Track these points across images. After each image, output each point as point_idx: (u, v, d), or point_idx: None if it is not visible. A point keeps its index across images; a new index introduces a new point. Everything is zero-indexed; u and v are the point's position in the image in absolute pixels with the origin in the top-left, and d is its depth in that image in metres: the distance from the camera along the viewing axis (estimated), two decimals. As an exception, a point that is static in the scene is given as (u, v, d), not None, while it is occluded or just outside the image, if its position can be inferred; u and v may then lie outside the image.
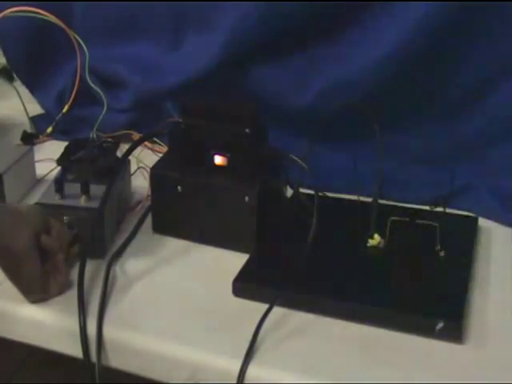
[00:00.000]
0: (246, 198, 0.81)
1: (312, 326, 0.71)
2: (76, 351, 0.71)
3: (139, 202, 0.93)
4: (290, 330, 0.70)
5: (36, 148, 1.06)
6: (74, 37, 1.10)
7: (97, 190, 0.82)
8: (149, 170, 0.89)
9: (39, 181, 1.00)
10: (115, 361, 0.71)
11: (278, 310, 0.72)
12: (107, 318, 0.72)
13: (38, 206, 0.79)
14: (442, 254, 0.79)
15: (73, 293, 0.74)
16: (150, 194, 0.89)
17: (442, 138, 1.01)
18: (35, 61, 1.20)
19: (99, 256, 0.81)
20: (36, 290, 0.74)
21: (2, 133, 1.18)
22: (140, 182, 0.97)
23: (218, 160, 0.83)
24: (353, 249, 0.82)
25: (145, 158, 1.02)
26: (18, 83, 1.25)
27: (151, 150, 1.08)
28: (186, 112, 0.86)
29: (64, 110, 1.16)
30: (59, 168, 0.88)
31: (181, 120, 0.86)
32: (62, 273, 0.76)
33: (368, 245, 0.81)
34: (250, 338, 0.68)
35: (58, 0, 1.13)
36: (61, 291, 0.76)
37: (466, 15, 0.92)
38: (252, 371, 0.65)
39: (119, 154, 0.92)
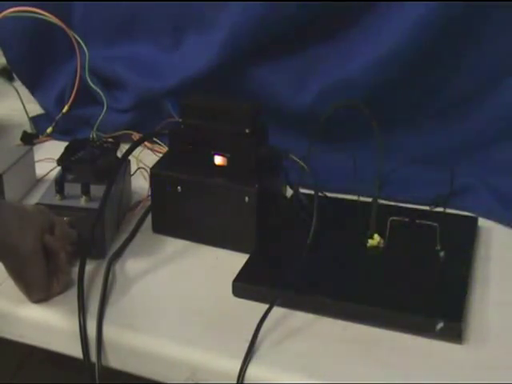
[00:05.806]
0: (246, 198, 0.81)
1: (312, 326, 0.71)
2: (76, 351, 0.71)
3: (139, 202, 0.93)
4: (290, 329, 0.70)
5: (36, 148, 1.06)
6: (74, 37, 1.10)
7: (97, 190, 0.82)
8: (149, 170, 0.89)
9: (39, 181, 1.00)
10: (115, 361, 0.71)
11: (277, 310, 0.72)
12: (107, 317, 0.72)
13: (41, 205, 0.79)
14: (441, 253, 0.79)
15: (73, 293, 0.74)
16: (150, 193, 0.89)
17: (441, 138, 1.01)
18: (35, 61, 1.20)
19: (99, 256, 0.81)
20: (39, 290, 0.74)
21: (2, 133, 1.18)
22: (140, 182, 0.97)
23: (218, 160, 0.83)
24: (353, 249, 0.82)
25: (145, 158, 1.02)
26: (18, 83, 1.25)
27: (151, 150, 1.08)
28: (186, 112, 0.86)
29: (64, 110, 1.16)
30: (59, 168, 0.88)
31: (181, 120, 0.86)
32: (65, 272, 0.76)
33: (368, 245, 0.81)
34: (249, 338, 0.68)
35: (58, 0, 1.13)
36: (63, 290, 0.76)
37: (465, 15, 0.92)
38: (252, 371, 0.65)
39: (119, 154, 0.92)
